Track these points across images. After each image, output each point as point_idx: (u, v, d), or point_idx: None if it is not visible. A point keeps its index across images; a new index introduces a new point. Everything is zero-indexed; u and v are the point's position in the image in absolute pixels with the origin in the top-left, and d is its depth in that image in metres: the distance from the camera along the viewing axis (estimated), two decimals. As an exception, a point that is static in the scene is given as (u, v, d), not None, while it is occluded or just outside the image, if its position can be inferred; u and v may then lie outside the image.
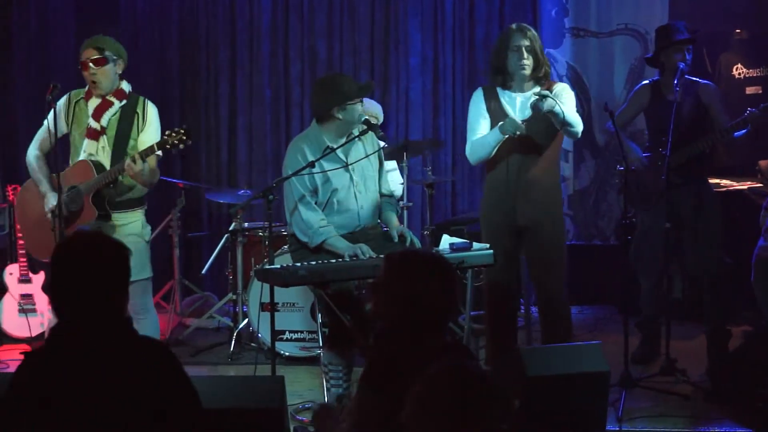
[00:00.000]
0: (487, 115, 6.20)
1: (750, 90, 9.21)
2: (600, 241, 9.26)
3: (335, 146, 5.86)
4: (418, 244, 6.06)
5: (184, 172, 9.40)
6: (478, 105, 6.26)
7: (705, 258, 6.78)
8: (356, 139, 5.97)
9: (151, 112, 6.15)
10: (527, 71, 6.03)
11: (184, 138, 5.83)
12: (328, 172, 5.84)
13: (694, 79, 6.85)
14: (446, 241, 5.89)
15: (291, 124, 9.50)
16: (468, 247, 5.78)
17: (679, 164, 6.60)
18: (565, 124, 5.93)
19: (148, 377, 3.24)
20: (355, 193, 5.95)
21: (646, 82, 7.05)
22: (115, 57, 6.06)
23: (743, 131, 6.63)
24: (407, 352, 3.66)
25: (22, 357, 3.36)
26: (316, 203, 5.86)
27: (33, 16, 9.21)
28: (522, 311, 7.50)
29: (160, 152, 5.92)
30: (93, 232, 3.42)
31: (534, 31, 6.13)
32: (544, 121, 5.97)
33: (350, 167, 5.93)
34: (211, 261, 8.58)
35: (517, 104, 6.13)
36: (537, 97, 5.83)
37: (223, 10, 9.43)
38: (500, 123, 6.00)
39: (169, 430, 3.26)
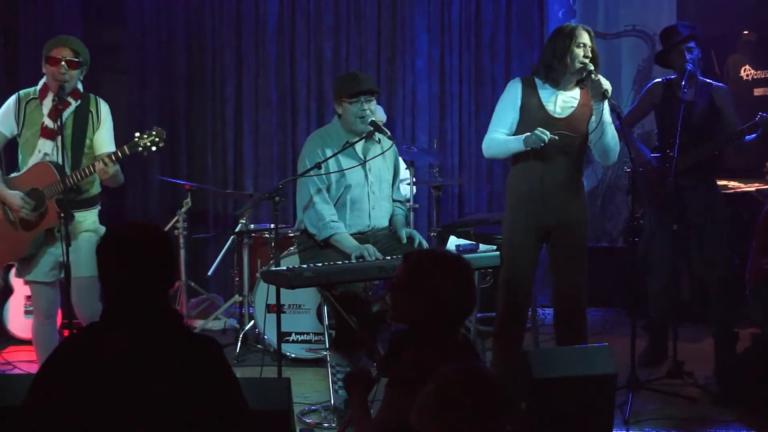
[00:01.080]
0: (517, 111, 6.01)
1: (758, 92, 9.19)
2: (607, 243, 9.26)
3: (353, 141, 5.88)
4: (425, 246, 6.05)
5: (190, 174, 9.40)
6: (512, 96, 6.07)
7: (712, 260, 6.76)
8: (377, 143, 6.01)
9: (105, 110, 6.11)
10: (591, 67, 5.92)
11: (156, 140, 5.81)
12: (344, 169, 5.86)
13: (708, 81, 6.82)
14: (453, 242, 5.88)
15: (297, 126, 9.50)
16: (474, 249, 5.77)
17: (687, 166, 6.58)
18: (605, 136, 5.88)
19: (197, 369, 3.27)
20: (368, 192, 5.97)
21: (659, 80, 7.01)
22: (85, 63, 6.01)
23: (754, 135, 6.60)
24: (430, 351, 3.65)
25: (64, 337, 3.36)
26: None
27: (40, 16, 9.20)
28: (529, 313, 7.49)
29: (120, 157, 5.87)
30: (144, 223, 3.40)
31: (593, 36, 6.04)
32: (578, 122, 5.91)
33: (367, 167, 5.94)
34: (217, 262, 8.59)
35: (558, 101, 5.98)
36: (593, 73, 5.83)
37: (230, 11, 9.43)
38: (526, 135, 5.83)
39: (212, 426, 3.28)
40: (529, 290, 6.23)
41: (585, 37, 5.92)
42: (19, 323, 7.88)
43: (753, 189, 8.27)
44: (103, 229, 6.15)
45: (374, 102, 6.01)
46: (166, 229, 8.50)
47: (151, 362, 3.17)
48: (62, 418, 3.12)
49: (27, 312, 7.81)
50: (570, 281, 6.11)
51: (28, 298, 7.80)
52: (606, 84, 5.82)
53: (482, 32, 9.47)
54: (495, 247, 5.89)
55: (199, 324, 8.34)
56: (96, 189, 6.15)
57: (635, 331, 6.24)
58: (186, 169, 9.43)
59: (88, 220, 6.08)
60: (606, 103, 5.86)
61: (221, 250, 8.55)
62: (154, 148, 5.86)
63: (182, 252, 8.37)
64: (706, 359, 6.83)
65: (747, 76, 9.27)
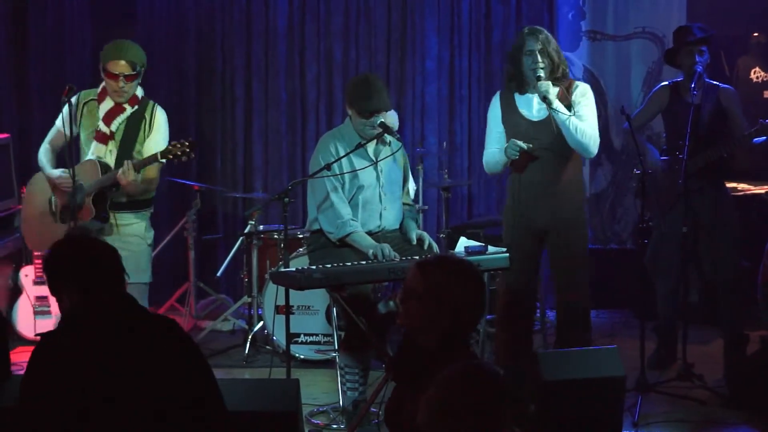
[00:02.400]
0: (501, 125, 6.18)
1: (768, 94, 9.20)
2: (616, 245, 9.24)
3: (365, 142, 5.89)
4: (435, 247, 6.06)
5: (199, 175, 9.40)
6: (493, 112, 6.26)
7: (722, 262, 6.75)
8: (388, 145, 6.03)
9: (160, 118, 6.15)
10: (543, 74, 5.99)
11: (188, 150, 5.84)
12: (357, 169, 5.87)
13: (715, 83, 6.81)
14: (462, 244, 5.88)
15: (307, 127, 9.49)
16: (483, 251, 5.77)
17: (696, 169, 6.57)
18: (572, 133, 5.91)
19: (164, 347, 3.37)
20: (380, 193, 5.99)
21: (666, 83, 7.00)
22: (142, 68, 6.06)
23: (763, 138, 6.59)
24: (441, 363, 3.64)
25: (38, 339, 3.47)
26: None
27: (49, 17, 9.22)
28: (538, 315, 7.49)
29: (163, 160, 5.93)
30: (77, 235, 3.65)
31: (546, 33, 6.09)
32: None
33: (378, 168, 5.96)
34: (226, 263, 8.59)
35: (534, 104, 6.10)
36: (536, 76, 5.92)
37: (240, 12, 9.43)
38: (505, 147, 6.01)
39: (188, 396, 3.37)
40: (529, 292, 6.27)
41: (531, 44, 6.00)
42: (28, 324, 7.89)
43: (762, 191, 8.26)
44: (151, 236, 6.18)
45: (392, 111, 6.05)
46: (175, 230, 8.53)
47: (119, 352, 3.29)
48: (54, 419, 3.22)
49: (36, 313, 7.82)
50: (570, 282, 6.15)
51: (38, 299, 7.82)
52: (542, 87, 5.91)
53: (492, 34, 9.46)
54: (504, 249, 5.89)
55: (207, 325, 8.34)
56: (148, 194, 6.18)
57: (644, 334, 6.25)
58: (195, 170, 9.43)
59: (135, 224, 6.12)
60: (556, 106, 5.92)
61: (230, 251, 8.54)
62: (184, 158, 5.90)
63: (191, 253, 8.38)
64: (715, 362, 6.82)
65: (757, 78, 9.26)
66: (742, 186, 8.37)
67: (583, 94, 6.11)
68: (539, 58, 5.98)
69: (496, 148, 6.16)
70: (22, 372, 6.84)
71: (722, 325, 6.88)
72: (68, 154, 5.83)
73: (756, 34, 9.36)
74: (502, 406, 2.69)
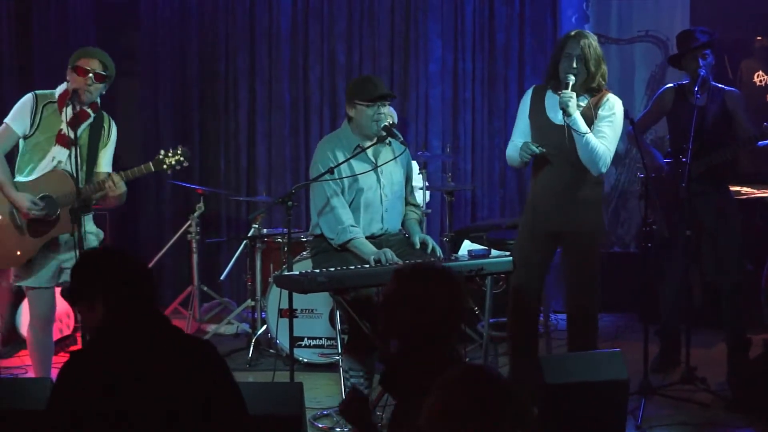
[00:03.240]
0: (527, 119, 6.15)
1: (771, 97, 9.20)
2: (620, 249, 9.25)
3: (365, 146, 5.89)
4: (439, 251, 6.05)
5: (203, 178, 9.41)
6: (523, 105, 6.23)
7: (725, 266, 6.74)
8: (388, 145, 6.02)
9: (114, 130, 6.17)
10: (572, 81, 5.92)
11: (181, 159, 5.84)
12: (357, 174, 5.87)
13: (720, 86, 6.80)
14: (466, 247, 5.88)
15: (310, 130, 9.51)
16: (487, 254, 5.77)
17: (700, 172, 6.56)
18: (584, 148, 5.88)
19: (195, 371, 3.35)
20: (381, 196, 5.98)
21: (671, 85, 6.99)
22: (110, 78, 6.03)
23: (767, 141, 6.58)
24: (426, 365, 3.66)
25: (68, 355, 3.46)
26: None
27: (53, 20, 9.23)
28: (541, 318, 7.48)
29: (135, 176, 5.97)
30: (110, 249, 3.65)
31: (593, 41, 5.99)
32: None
33: (379, 170, 5.96)
34: (229, 267, 8.59)
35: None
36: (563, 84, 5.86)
37: (243, 15, 9.44)
38: (520, 147, 6.00)
39: (213, 426, 3.35)
40: (538, 294, 6.25)
41: (572, 47, 5.94)
42: (32, 327, 7.89)
43: (766, 195, 8.25)
44: (101, 233, 6.20)
45: (388, 105, 6.03)
46: (179, 233, 8.53)
47: (145, 375, 3.27)
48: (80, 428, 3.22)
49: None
50: (580, 288, 6.13)
51: (42, 302, 7.82)
52: (563, 99, 5.86)
53: (495, 37, 9.46)
54: (508, 252, 5.89)
55: (211, 328, 8.35)
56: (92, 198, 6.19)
57: (648, 337, 6.25)
58: (199, 173, 9.44)
59: (89, 224, 6.11)
60: (575, 118, 5.87)
61: (234, 255, 8.55)
62: (178, 168, 5.90)
63: (195, 256, 8.37)
64: (718, 365, 6.81)
65: (760, 81, 9.26)
66: (745, 189, 8.36)
67: (611, 109, 6.00)
68: (574, 64, 5.92)
69: (520, 140, 6.12)
70: (22, 374, 6.87)
71: (725, 329, 6.88)
72: (74, 163, 5.79)
73: (759, 38, 9.35)
74: (503, 409, 2.69)
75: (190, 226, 8.37)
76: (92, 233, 6.07)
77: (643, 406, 5.97)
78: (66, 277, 5.94)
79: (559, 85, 5.99)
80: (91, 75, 5.89)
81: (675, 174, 6.69)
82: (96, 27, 9.36)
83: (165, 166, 5.85)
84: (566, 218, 6.04)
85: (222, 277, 8.67)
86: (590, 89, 6.00)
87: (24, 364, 7.44)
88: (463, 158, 9.48)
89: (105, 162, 6.07)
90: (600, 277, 6.19)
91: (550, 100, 6.08)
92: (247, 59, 9.48)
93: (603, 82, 6.04)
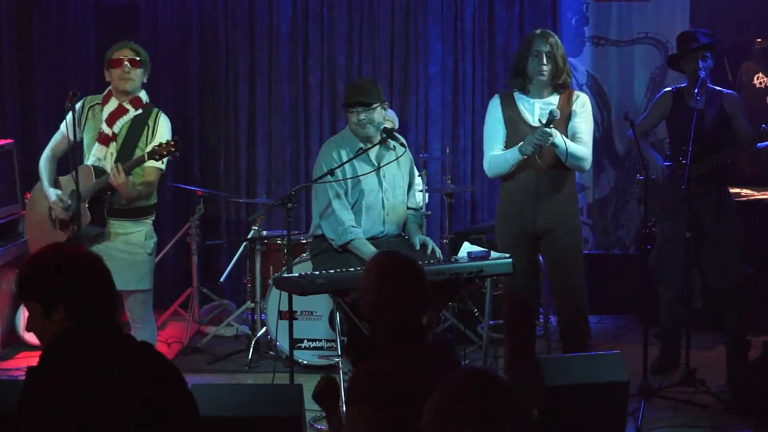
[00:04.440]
0: (502, 127, 6.16)
1: (771, 99, 9.20)
2: (620, 251, 9.24)
3: (367, 147, 5.91)
4: (438, 252, 6.07)
5: (203, 180, 9.41)
6: (494, 115, 6.22)
7: (725, 268, 6.75)
8: (392, 149, 6.04)
9: (163, 124, 6.15)
10: (545, 77, 6.01)
11: (173, 149, 5.86)
12: (359, 175, 5.89)
13: (718, 88, 6.81)
14: (465, 249, 5.89)
15: (310, 133, 9.50)
16: (486, 256, 5.78)
17: (700, 174, 6.56)
18: (569, 157, 5.92)
19: (146, 380, 3.27)
20: (383, 198, 6.01)
21: (669, 89, 7.01)
22: (146, 64, 6.10)
23: (766, 143, 6.59)
24: (386, 360, 3.70)
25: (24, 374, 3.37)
26: None
27: (54, 24, 9.24)
28: (541, 320, 7.49)
29: (162, 166, 6.00)
30: (53, 246, 3.49)
31: (557, 38, 6.11)
32: (558, 128, 5.95)
33: (381, 173, 5.97)
34: (229, 269, 8.58)
35: (536, 110, 6.11)
36: (547, 120, 5.85)
37: (243, 18, 9.43)
38: (520, 144, 5.96)
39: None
40: (531, 296, 6.28)
41: (540, 45, 6.01)
42: (31, 329, 7.88)
43: (766, 197, 8.25)
44: (151, 245, 6.17)
45: (375, 112, 6.03)
46: (179, 235, 8.53)
47: (99, 388, 3.18)
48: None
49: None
50: (565, 286, 6.17)
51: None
52: (553, 138, 5.88)
53: (495, 39, 9.46)
54: (507, 254, 5.89)
55: (211, 330, 8.34)
56: (149, 200, 6.18)
57: (647, 339, 6.25)
58: (199, 176, 9.44)
59: (136, 232, 6.09)
60: (558, 142, 5.91)
61: (234, 257, 8.55)
62: (170, 157, 5.93)
63: (195, 258, 8.36)
64: (718, 367, 6.82)
65: (760, 83, 9.25)
66: (745, 191, 8.36)
67: (583, 105, 6.13)
68: (545, 61, 5.99)
69: (500, 148, 6.14)
70: (21, 376, 6.87)
71: (725, 331, 6.88)
72: (72, 160, 5.83)
73: (759, 40, 9.34)
74: (505, 412, 2.69)
75: (189, 227, 8.36)
76: (136, 244, 6.06)
77: (642, 408, 5.98)
78: None
79: (525, 85, 6.10)
80: (126, 62, 5.99)
81: (675, 176, 6.70)
82: (96, 30, 9.35)
83: (158, 156, 5.86)
84: (545, 218, 6.09)
85: (222, 279, 8.66)
86: (557, 86, 6.10)
87: (23, 366, 7.45)
88: (463, 160, 9.48)
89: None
90: (584, 271, 6.24)
91: (522, 102, 6.14)
92: (247, 61, 9.48)
93: (569, 80, 6.17)
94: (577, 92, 6.23)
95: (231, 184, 9.54)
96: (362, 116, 5.95)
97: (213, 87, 9.54)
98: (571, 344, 6.17)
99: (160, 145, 5.84)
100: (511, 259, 5.83)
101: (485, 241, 7.35)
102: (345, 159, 5.89)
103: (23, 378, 3.32)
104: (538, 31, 6.15)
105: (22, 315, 7.93)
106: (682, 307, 6.94)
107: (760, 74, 9.28)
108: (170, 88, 9.39)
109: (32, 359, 7.61)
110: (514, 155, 6.02)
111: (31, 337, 7.90)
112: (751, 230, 7.46)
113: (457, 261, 5.84)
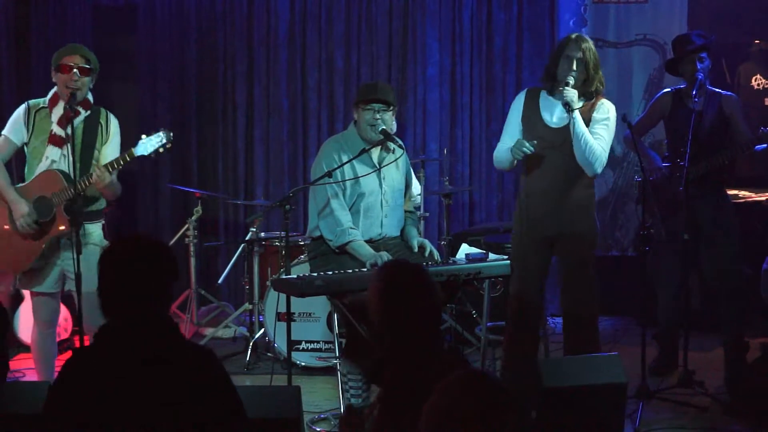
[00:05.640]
0: (519, 123, 6.13)
1: (769, 101, 9.21)
2: (618, 252, 9.24)
3: (369, 148, 5.90)
4: (436, 254, 6.06)
5: (200, 182, 9.41)
6: (516, 107, 6.21)
7: (723, 269, 6.74)
8: (392, 152, 6.03)
9: (114, 124, 6.17)
10: (572, 82, 5.95)
11: (164, 142, 5.86)
12: (360, 176, 5.88)
13: (717, 90, 6.81)
14: (463, 251, 5.88)
15: (308, 134, 9.50)
16: (484, 258, 5.77)
17: (698, 175, 6.56)
18: (582, 144, 5.87)
19: (194, 382, 3.28)
20: (381, 200, 5.99)
21: (668, 90, 7.00)
22: (95, 71, 6.05)
23: (765, 145, 6.59)
24: (405, 366, 3.71)
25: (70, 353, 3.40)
26: None
27: (51, 25, 9.24)
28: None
29: (121, 165, 5.95)
30: (137, 235, 3.49)
31: (591, 44, 6.01)
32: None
33: (381, 175, 5.96)
34: (227, 270, 8.59)
35: (556, 112, 6.03)
36: (563, 102, 5.84)
37: (241, 20, 9.43)
38: (511, 146, 5.97)
39: None
40: (538, 299, 6.23)
41: (572, 50, 5.95)
42: (29, 331, 7.85)
43: (764, 198, 8.26)
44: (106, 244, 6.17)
45: (390, 113, 6.01)
46: (177, 237, 8.52)
47: (143, 383, 3.21)
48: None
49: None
50: (577, 292, 6.11)
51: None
52: (568, 95, 5.85)
53: (493, 41, 9.47)
54: (505, 256, 5.89)
55: (209, 332, 8.35)
56: (102, 203, 6.18)
57: (645, 340, 6.24)
58: (196, 177, 9.45)
59: (95, 233, 6.10)
60: (576, 115, 5.86)
61: (232, 258, 8.55)
62: (161, 150, 5.91)
63: (192, 260, 8.37)
64: (716, 368, 6.82)
65: (758, 85, 9.27)
66: (743, 193, 8.37)
67: (606, 113, 6.03)
68: (574, 66, 5.94)
69: (511, 142, 6.07)
70: (21, 378, 6.86)
71: (723, 332, 6.88)
72: (72, 167, 5.79)
73: (757, 41, 9.36)
74: (503, 413, 2.69)
75: (187, 229, 8.37)
76: (96, 244, 6.03)
77: (641, 410, 5.97)
78: (71, 285, 5.92)
79: (555, 87, 6.01)
80: (75, 70, 5.92)
81: (673, 177, 6.70)
82: (94, 31, 9.35)
83: (147, 153, 5.86)
84: (560, 222, 6.03)
85: (220, 281, 8.67)
86: (587, 93, 6.01)
87: (22, 367, 7.44)
88: (461, 162, 9.48)
89: (109, 157, 6.01)
90: (597, 280, 6.18)
91: (545, 101, 6.09)
92: (245, 63, 9.48)
93: (600, 87, 6.05)
94: (603, 100, 6.10)
95: (229, 185, 9.55)
96: (378, 115, 5.92)
97: (211, 89, 9.54)
98: (578, 351, 6.08)
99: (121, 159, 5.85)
100: (508, 261, 5.82)
101: (483, 243, 7.36)
102: (346, 159, 5.87)
103: (23, 378, 3.33)
104: (573, 36, 6.05)
105: (20, 317, 7.92)
106: (679, 308, 6.94)
107: (758, 76, 9.29)
108: (168, 89, 9.38)
109: (31, 361, 7.60)
110: (508, 156, 6.02)
111: (29, 339, 7.88)
112: (748, 232, 7.46)
113: (455, 263, 5.84)
